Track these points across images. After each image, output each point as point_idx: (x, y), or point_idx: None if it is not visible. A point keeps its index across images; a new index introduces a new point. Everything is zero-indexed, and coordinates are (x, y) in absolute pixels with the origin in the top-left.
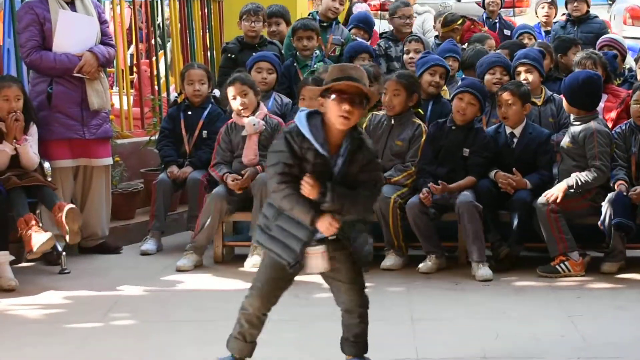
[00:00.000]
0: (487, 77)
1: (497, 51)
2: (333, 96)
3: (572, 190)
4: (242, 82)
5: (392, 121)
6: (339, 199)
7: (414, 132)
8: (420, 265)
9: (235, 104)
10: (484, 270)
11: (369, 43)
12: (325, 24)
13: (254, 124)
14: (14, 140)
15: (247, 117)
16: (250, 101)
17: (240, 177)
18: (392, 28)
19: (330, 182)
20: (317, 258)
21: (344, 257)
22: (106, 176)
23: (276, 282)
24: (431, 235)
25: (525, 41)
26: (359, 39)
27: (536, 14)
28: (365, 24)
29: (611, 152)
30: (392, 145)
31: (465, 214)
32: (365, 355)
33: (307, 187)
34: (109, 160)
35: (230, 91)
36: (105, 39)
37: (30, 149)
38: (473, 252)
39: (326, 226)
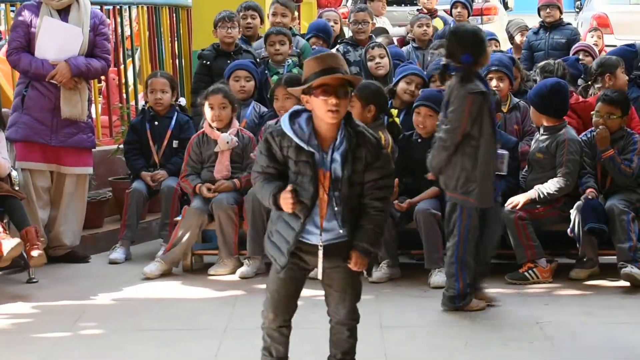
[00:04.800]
0: (402, 85)
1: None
2: (319, 91)
3: (537, 202)
4: (224, 94)
5: None
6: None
7: None
8: (372, 274)
9: (210, 114)
10: (436, 277)
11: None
12: None
13: (227, 141)
14: None
15: (220, 130)
16: (226, 116)
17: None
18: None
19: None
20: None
21: (339, 263)
22: (79, 186)
23: (286, 289)
24: (390, 242)
25: (492, 48)
26: (315, 47)
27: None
28: (323, 33)
29: (580, 161)
30: None
31: (422, 222)
32: None
33: (287, 202)
34: (82, 170)
35: (211, 100)
36: (97, 51)
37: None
38: (427, 260)
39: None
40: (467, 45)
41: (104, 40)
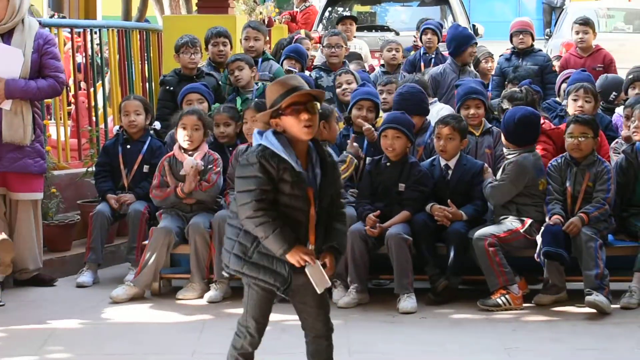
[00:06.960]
0: (354, 112)
1: None
2: (289, 111)
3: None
4: (199, 117)
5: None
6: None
7: None
8: (340, 299)
9: (182, 134)
10: (405, 303)
11: (304, 73)
12: None
13: (192, 165)
14: None
15: (188, 153)
16: (197, 138)
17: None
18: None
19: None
20: (319, 274)
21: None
22: (34, 210)
23: (268, 310)
24: (362, 266)
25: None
26: (290, 68)
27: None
28: (296, 54)
29: (543, 186)
30: None
31: (393, 246)
32: None
33: (301, 259)
34: (30, 196)
35: (184, 120)
36: (46, 71)
37: None
38: (397, 285)
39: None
40: None
41: (51, 59)
